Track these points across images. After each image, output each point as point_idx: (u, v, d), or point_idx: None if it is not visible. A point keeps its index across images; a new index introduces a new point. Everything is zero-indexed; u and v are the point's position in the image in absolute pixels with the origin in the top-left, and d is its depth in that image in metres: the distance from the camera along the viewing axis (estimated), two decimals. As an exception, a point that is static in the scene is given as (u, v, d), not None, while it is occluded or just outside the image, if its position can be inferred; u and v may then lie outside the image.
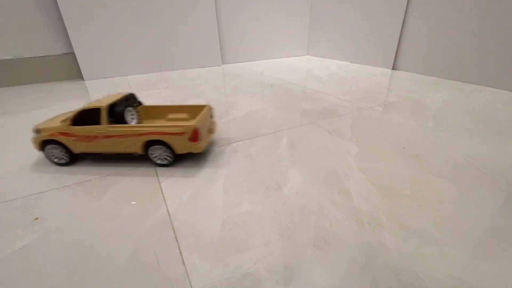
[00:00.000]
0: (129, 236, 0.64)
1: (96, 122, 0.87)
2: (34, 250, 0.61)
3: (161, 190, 0.81)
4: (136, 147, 0.89)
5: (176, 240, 0.63)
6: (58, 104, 1.68)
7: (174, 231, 0.66)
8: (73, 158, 0.95)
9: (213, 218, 0.70)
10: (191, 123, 0.85)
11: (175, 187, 0.82)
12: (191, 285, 0.52)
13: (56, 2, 2.12)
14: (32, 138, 0.94)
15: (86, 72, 2.33)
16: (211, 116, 1.03)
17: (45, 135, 0.90)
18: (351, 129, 1.20)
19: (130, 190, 0.82)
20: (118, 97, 0.95)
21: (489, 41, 1.73)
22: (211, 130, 1.01)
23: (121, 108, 0.91)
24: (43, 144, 0.92)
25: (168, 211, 0.73)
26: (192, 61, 2.71)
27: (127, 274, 0.55)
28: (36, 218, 0.71)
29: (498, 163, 0.90)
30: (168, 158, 0.91)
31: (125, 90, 1.96)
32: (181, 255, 0.59)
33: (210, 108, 1.01)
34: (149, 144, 0.88)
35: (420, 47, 2.14)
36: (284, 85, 1.99)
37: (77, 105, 1.66)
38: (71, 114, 0.90)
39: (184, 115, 1.04)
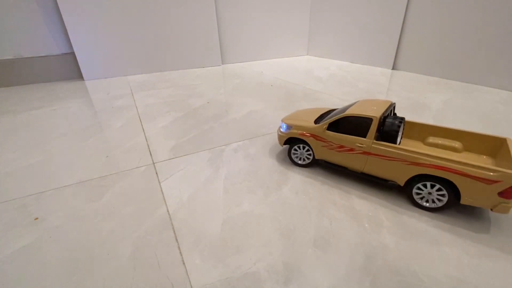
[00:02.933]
0: (129, 236, 0.64)
1: (360, 132, 0.72)
2: (34, 250, 0.61)
3: (161, 190, 0.81)
4: (399, 176, 0.69)
5: (176, 240, 0.63)
6: (58, 104, 1.68)
7: (174, 231, 0.66)
8: (313, 162, 0.87)
9: (213, 218, 0.69)
10: (507, 169, 0.57)
11: (175, 187, 0.82)
12: (191, 285, 0.52)
13: (56, 2, 2.12)
14: (278, 130, 0.91)
15: (86, 72, 2.33)
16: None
17: (295, 133, 0.85)
18: (351, 129, 1.19)
19: (130, 190, 0.82)
20: (385, 106, 0.75)
21: (489, 41, 1.73)
22: None
23: (395, 125, 0.69)
24: (287, 141, 0.89)
25: (168, 211, 0.72)
26: (192, 61, 2.71)
27: (127, 274, 0.55)
28: (36, 218, 0.71)
29: (498, 163, 0.90)
30: (439, 202, 0.66)
31: (128, 90, 1.96)
32: (181, 255, 0.59)
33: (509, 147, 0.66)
34: (419, 177, 0.67)
35: (420, 47, 2.14)
36: (284, 85, 1.99)
37: (77, 105, 1.66)
38: (330, 117, 0.79)
39: (456, 144, 0.76)
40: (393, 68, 2.39)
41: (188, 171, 0.91)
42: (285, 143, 0.90)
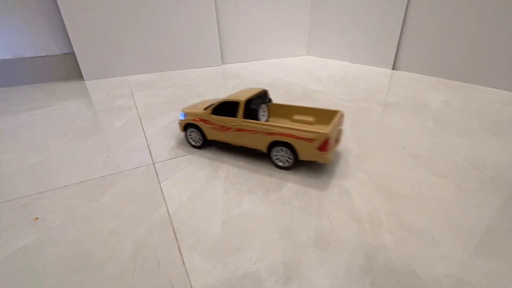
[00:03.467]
0: (129, 236, 0.64)
1: (233, 114, 0.91)
2: (34, 250, 0.61)
3: (161, 190, 0.81)
4: (261, 144, 0.89)
5: (176, 240, 0.63)
6: (58, 104, 1.68)
7: (174, 231, 0.66)
8: (205, 143, 1.04)
9: (213, 218, 0.70)
10: (324, 130, 0.78)
11: (175, 187, 0.82)
12: (191, 285, 0.52)
13: (56, 2, 2.12)
14: (179, 120, 1.09)
15: (86, 72, 2.33)
16: (341, 124, 0.94)
17: (189, 119, 1.00)
18: (351, 129, 1.20)
19: (130, 190, 0.82)
20: (254, 92, 0.97)
21: (489, 41, 1.73)
22: (337, 140, 0.92)
23: (256, 105, 0.92)
24: (185, 127, 1.04)
25: (168, 211, 0.73)
26: (192, 61, 2.71)
27: (127, 274, 0.55)
28: (36, 218, 0.71)
29: (498, 163, 0.90)
30: (289, 161, 0.87)
31: (128, 90, 1.96)
32: (181, 255, 0.59)
33: (342, 115, 0.93)
34: (274, 144, 0.87)
35: (420, 47, 2.14)
36: (284, 85, 1.99)
37: (77, 105, 1.67)
38: (214, 103, 0.95)
39: (310, 118, 1.00)
40: (393, 68, 2.39)
41: (188, 171, 0.91)
42: (184, 129, 1.05)
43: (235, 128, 0.91)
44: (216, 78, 2.30)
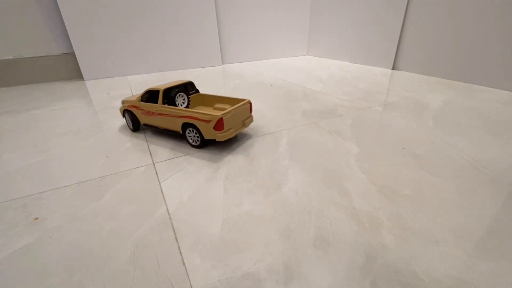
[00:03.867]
0: (129, 236, 0.64)
1: (155, 101, 1.08)
2: (34, 250, 0.61)
3: (161, 190, 0.81)
4: (177, 127, 1.05)
5: (176, 240, 0.63)
6: (58, 104, 1.68)
7: (174, 231, 0.66)
8: (139, 127, 1.23)
9: (213, 218, 0.70)
10: (217, 113, 0.94)
11: (175, 187, 0.82)
12: (191, 285, 0.52)
13: (56, 2, 2.12)
14: (120, 107, 1.24)
15: (86, 72, 2.33)
16: (250, 111, 1.12)
17: (125, 106, 1.18)
18: (351, 129, 1.20)
19: (130, 190, 0.82)
20: (177, 83, 1.14)
21: (489, 41, 1.73)
22: (244, 123, 1.08)
23: (173, 93, 1.09)
24: (124, 113, 1.22)
25: (168, 211, 0.73)
26: (192, 61, 2.71)
27: (127, 274, 0.55)
28: (36, 218, 0.71)
29: (498, 163, 0.90)
30: (198, 141, 1.03)
31: (128, 90, 1.96)
32: (181, 255, 0.59)
33: (247, 103, 1.09)
34: (185, 126, 1.03)
35: (420, 47, 2.14)
36: (284, 85, 1.99)
37: (77, 105, 1.67)
38: (141, 94, 1.13)
39: (226, 106, 1.16)
40: (393, 68, 2.39)
41: (188, 171, 0.91)
42: (123, 115, 1.23)
43: (157, 113, 1.08)
44: (216, 78, 2.30)
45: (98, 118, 1.43)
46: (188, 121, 1.00)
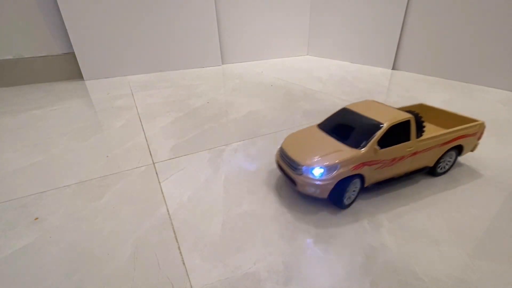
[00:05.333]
0: (129, 236, 0.64)
1: (402, 137, 0.71)
2: (34, 250, 0.61)
3: (161, 190, 0.81)
4: (430, 160, 0.79)
5: (176, 240, 0.63)
6: (58, 104, 1.68)
7: (174, 231, 0.66)
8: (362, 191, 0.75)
9: (213, 218, 0.69)
10: (480, 121, 0.83)
11: (175, 187, 0.82)
12: (191, 285, 0.52)
13: (56, 2, 2.12)
14: (307, 180, 0.67)
15: (86, 72, 2.33)
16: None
17: (345, 171, 0.66)
18: (351, 129, 1.19)
19: (130, 190, 0.82)
20: (387, 106, 0.80)
21: (489, 41, 1.73)
22: None
23: (419, 117, 0.75)
24: (338, 184, 0.67)
25: (168, 211, 0.72)
26: (192, 61, 2.71)
27: (127, 274, 0.55)
28: (36, 218, 0.71)
29: (498, 163, 0.90)
30: (450, 164, 0.84)
31: (128, 90, 1.96)
32: (181, 255, 0.59)
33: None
34: (447, 152, 0.81)
35: (420, 47, 2.14)
36: (284, 85, 1.99)
37: (77, 105, 1.66)
38: (376, 137, 0.68)
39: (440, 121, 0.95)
40: (393, 68, 2.39)
41: (188, 171, 0.91)
42: (335, 188, 0.67)
43: (410, 154, 0.73)
44: (216, 78, 2.30)
45: (98, 118, 1.43)
46: (457, 143, 0.79)
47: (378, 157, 0.69)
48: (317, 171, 0.66)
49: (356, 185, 0.70)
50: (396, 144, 0.70)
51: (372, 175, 0.71)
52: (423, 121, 0.76)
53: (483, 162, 0.91)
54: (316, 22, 3.15)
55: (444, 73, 2.03)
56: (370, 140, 0.68)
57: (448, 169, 0.85)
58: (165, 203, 0.75)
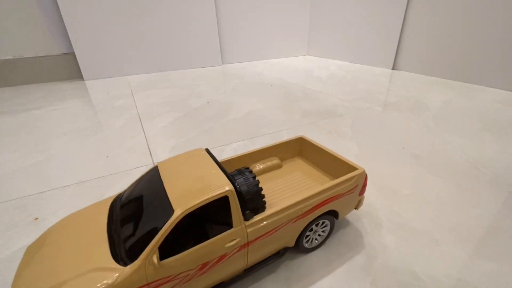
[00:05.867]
0: (129, 236, 0.64)
1: (219, 223, 0.45)
2: (34, 250, 0.61)
3: (161, 190, 0.81)
4: (291, 237, 0.54)
5: (176, 240, 0.63)
6: (58, 104, 1.68)
7: (174, 231, 0.65)
8: None
9: (213, 218, 0.69)
10: (359, 168, 0.60)
11: (175, 187, 0.82)
12: (191, 285, 0.52)
13: (56, 2, 2.12)
14: None
15: (86, 72, 2.33)
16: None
17: None
18: (351, 129, 1.20)
19: (130, 190, 0.82)
20: (208, 160, 0.53)
21: (489, 41, 1.73)
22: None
23: (252, 183, 0.50)
24: None
25: (168, 211, 0.72)
26: (192, 61, 2.71)
27: (127, 274, 0.55)
28: (36, 218, 0.71)
29: (498, 163, 0.90)
30: (322, 234, 0.60)
31: (128, 90, 1.96)
32: (181, 255, 0.59)
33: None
34: (312, 222, 0.56)
35: (420, 47, 2.14)
36: (284, 85, 1.99)
37: (77, 105, 1.66)
38: (156, 239, 0.40)
39: (274, 160, 0.74)
40: (393, 68, 2.39)
41: (188, 171, 0.90)
42: None
43: (238, 247, 0.47)
44: (216, 78, 2.30)
45: (98, 118, 1.43)
46: (326, 209, 0.55)
47: (166, 273, 0.41)
48: None
49: None
50: (200, 241, 0.43)
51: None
52: (257, 183, 0.50)
53: (483, 162, 0.91)
54: (316, 22, 3.15)
55: (444, 73, 2.03)
56: (148, 246, 0.39)
57: (325, 240, 0.61)
58: (165, 203, 0.75)
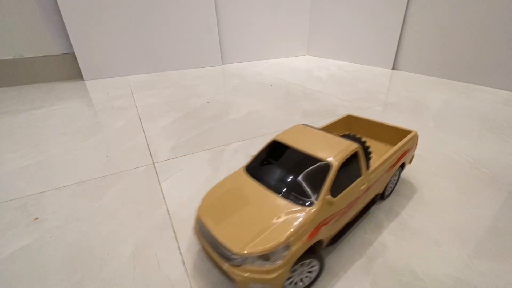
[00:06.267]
0: (129, 236, 0.64)
1: (353, 173, 0.56)
2: (34, 250, 0.61)
3: (161, 190, 0.81)
4: (383, 185, 0.68)
5: (176, 240, 0.63)
6: (58, 104, 1.68)
7: (174, 231, 0.66)
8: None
9: (213, 218, 0.69)
10: (413, 131, 0.76)
11: (175, 187, 0.82)
12: (191, 285, 0.52)
13: (56, 2, 2.12)
14: (248, 273, 0.44)
15: (86, 72, 2.33)
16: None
17: (300, 248, 0.45)
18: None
19: (130, 190, 0.82)
20: (319, 131, 0.65)
21: (489, 41, 1.73)
22: None
23: (361, 141, 0.65)
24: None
25: (168, 211, 0.72)
26: (192, 61, 2.71)
27: (127, 274, 0.55)
28: (36, 218, 0.71)
29: (498, 163, 0.90)
30: (395, 182, 0.76)
31: (128, 90, 1.96)
32: (181, 255, 0.59)
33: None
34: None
35: (420, 47, 2.14)
36: (284, 85, 1.99)
37: (77, 105, 1.66)
38: (328, 183, 0.50)
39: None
40: (393, 68, 2.39)
41: (188, 171, 0.91)
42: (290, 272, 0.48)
43: (364, 192, 0.59)
44: (216, 78, 2.30)
45: (98, 118, 1.43)
46: (402, 161, 0.72)
47: (334, 210, 0.52)
48: (259, 261, 0.43)
49: (312, 264, 0.49)
50: (348, 185, 0.54)
51: (328, 234, 0.53)
52: (368, 147, 0.64)
53: (483, 162, 0.91)
54: (316, 22, 3.15)
55: (444, 73, 2.03)
56: (321, 189, 0.50)
57: (394, 188, 0.77)
58: (165, 203, 0.75)
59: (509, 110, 1.36)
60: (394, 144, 0.80)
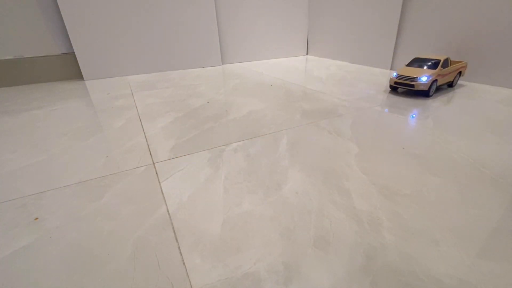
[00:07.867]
0: (129, 236, 0.64)
1: (445, 65, 1.59)
2: (34, 250, 0.61)
3: (161, 190, 0.81)
4: (452, 76, 1.67)
5: (176, 240, 0.63)
6: (58, 104, 1.68)
7: (174, 231, 0.66)
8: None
9: (213, 218, 0.69)
10: (464, 62, 1.74)
11: (175, 187, 0.82)
12: (191, 285, 0.52)
13: (56, 2, 2.12)
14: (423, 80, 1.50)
15: (86, 72, 2.33)
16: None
17: (432, 79, 1.52)
18: (351, 129, 1.20)
19: (130, 190, 0.82)
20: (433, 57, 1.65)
21: (489, 40, 1.73)
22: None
23: (447, 58, 1.62)
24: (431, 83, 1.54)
25: (168, 211, 0.73)
26: (192, 61, 2.71)
27: (127, 274, 0.55)
28: (36, 218, 0.71)
29: (498, 163, 0.90)
30: (457, 80, 1.76)
31: (128, 90, 1.96)
32: (181, 255, 0.59)
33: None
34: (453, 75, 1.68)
35: (418, 47, 2.14)
36: (284, 85, 1.99)
37: (77, 105, 1.67)
38: (438, 61, 1.58)
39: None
40: (391, 69, 2.40)
41: (188, 171, 0.91)
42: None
43: (447, 72, 1.60)
44: (216, 78, 2.30)
45: (98, 118, 1.43)
46: (459, 70, 1.70)
47: (442, 72, 1.55)
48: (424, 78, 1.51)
49: (435, 84, 1.55)
50: (446, 67, 1.57)
51: (440, 81, 1.57)
52: (449, 61, 1.62)
53: (483, 162, 0.91)
54: (316, 22, 3.15)
55: (444, 73, 2.02)
56: (439, 66, 1.55)
57: (455, 84, 1.74)
58: (165, 203, 0.75)
59: (510, 110, 1.36)
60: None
